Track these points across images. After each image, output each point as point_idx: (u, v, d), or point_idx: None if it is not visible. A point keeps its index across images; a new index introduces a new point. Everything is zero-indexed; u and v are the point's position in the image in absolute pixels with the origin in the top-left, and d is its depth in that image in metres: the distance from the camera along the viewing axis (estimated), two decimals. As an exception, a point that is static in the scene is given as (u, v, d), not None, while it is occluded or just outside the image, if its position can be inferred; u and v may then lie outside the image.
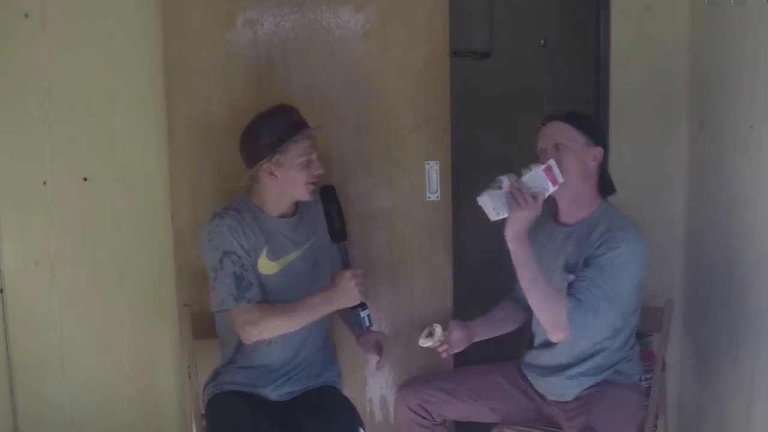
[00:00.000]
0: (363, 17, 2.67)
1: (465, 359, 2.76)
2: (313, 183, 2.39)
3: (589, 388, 2.39)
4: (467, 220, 2.87)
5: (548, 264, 2.39)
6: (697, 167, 2.90)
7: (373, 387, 2.86)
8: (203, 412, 2.52)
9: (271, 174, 2.36)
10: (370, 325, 2.40)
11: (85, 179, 2.75)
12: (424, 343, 2.46)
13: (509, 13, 3.06)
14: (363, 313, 2.36)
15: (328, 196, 2.42)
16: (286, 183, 2.37)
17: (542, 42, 3.09)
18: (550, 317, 2.25)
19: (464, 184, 2.84)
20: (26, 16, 2.65)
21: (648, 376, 2.71)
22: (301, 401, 2.46)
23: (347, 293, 2.32)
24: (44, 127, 2.70)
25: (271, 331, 2.35)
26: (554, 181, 2.27)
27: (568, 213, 2.42)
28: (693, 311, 2.93)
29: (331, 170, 2.70)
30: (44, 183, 2.73)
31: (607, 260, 2.26)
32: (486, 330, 2.57)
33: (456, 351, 2.51)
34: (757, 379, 2.47)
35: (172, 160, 2.70)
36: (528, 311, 2.50)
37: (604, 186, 2.44)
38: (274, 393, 2.47)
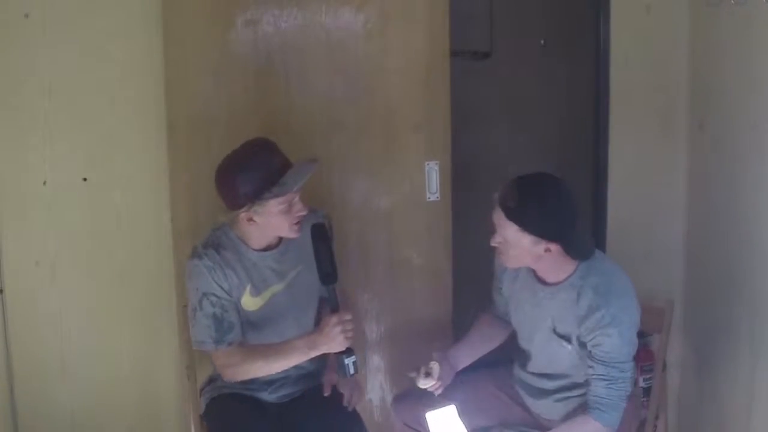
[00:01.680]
0: (363, 17, 2.67)
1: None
2: (297, 223, 2.27)
3: (577, 408, 2.36)
4: (467, 220, 2.87)
5: (535, 323, 2.33)
6: (697, 167, 2.90)
7: (373, 387, 2.86)
8: (201, 414, 2.52)
9: (250, 220, 2.24)
10: (355, 372, 2.22)
11: (85, 179, 2.75)
12: (425, 384, 2.34)
13: (509, 13, 3.06)
14: (348, 360, 2.19)
15: (318, 235, 2.24)
16: (267, 227, 2.26)
17: (542, 42, 3.09)
18: None
19: (464, 185, 2.84)
20: (26, 16, 2.65)
21: (648, 376, 2.72)
22: (301, 401, 2.46)
23: (332, 339, 2.17)
24: (44, 127, 2.70)
25: (251, 374, 2.30)
26: None
27: (545, 275, 2.29)
28: (693, 311, 2.93)
29: (332, 171, 2.70)
30: (44, 183, 2.73)
31: (609, 349, 2.16)
32: (469, 355, 2.47)
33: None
34: (757, 379, 2.47)
35: (172, 160, 2.69)
36: (508, 325, 2.47)
37: (579, 256, 2.21)
38: (272, 396, 2.45)
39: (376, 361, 2.86)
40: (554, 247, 2.16)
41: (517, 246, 2.18)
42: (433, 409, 2.17)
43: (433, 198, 2.77)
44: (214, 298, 2.26)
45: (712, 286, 2.78)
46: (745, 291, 2.53)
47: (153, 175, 2.74)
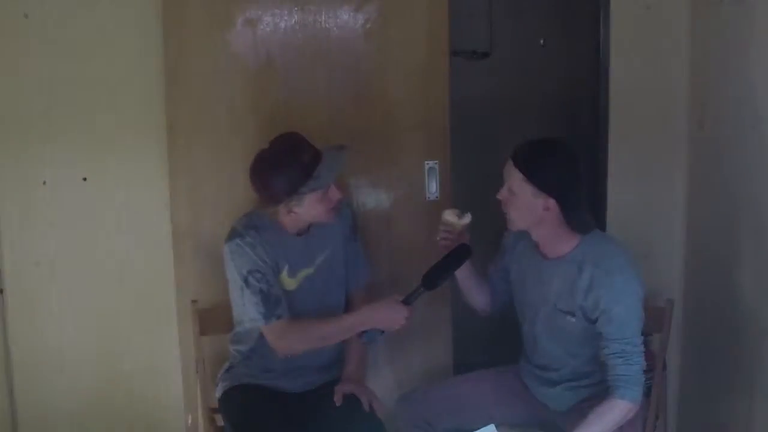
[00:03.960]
0: (363, 17, 2.67)
1: (464, 362, 2.76)
2: (333, 208, 2.36)
3: (587, 399, 2.36)
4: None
5: (539, 301, 2.36)
6: (697, 167, 2.90)
7: (375, 387, 2.85)
8: (215, 405, 2.53)
9: (290, 212, 2.33)
10: (370, 343, 2.38)
11: (85, 179, 2.75)
12: (449, 215, 2.38)
13: (508, 12, 3.06)
14: (379, 336, 2.34)
15: (461, 254, 2.35)
16: (306, 214, 2.35)
17: (541, 42, 3.10)
18: (623, 419, 2.22)
19: (463, 184, 2.84)
20: (26, 16, 2.65)
21: (648, 376, 2.71)
22: (319, 392, 2.47)
23: (392, 323, 2.29)
24: (43, 127, 2.71)
25: (306, 347, 2.36)
26: None
27: (546, 247, 2.34)
28: (693, 311, 2.93)
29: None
30: (44, 183, 2.73)
31: (619, 326, 2.21)
32: (467, 276, 2.48)
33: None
34: (757, 379, 2.47)
35: (172, 160, 2.69)
36: (490, 303, 2.53)
37: (577, 227, 2.27)
38: (291, 384, 2.47)
39: (375, 361, 2.85)
40: (552, 205, 2.22)
41: (519, 198, 2.25)
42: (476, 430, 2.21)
43: (432, 198, 2.77)
44: (258, 275, 2.32)
45: (711, 285, 2.77)
46: (745, 290, 2.53)
47: (153, 174, 2.74)
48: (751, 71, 2.47)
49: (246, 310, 2.36)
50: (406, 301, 2.30)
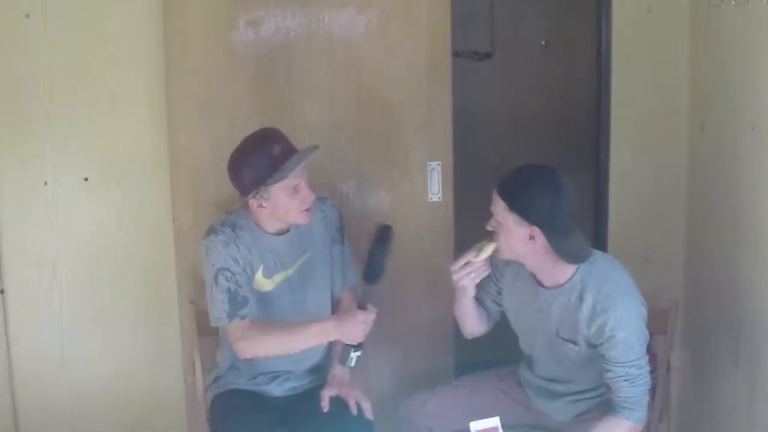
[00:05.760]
0: (365, 18, 2.67)
1: (466, 362, 2.76)
2: (306, 209, 2.33)
3: (590, 410, 2.36)
4: (468, 220, 2.87)
5: (537, 328, 2.34)
6: (698, 169, 2.91)
7: (375, 387, 2.86)
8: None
9: (260, 206, 2.31)
10: (355, 366, 2.32)
11: (86, 179, 2.75)
12: (484, 254, 2.29)
13: (511, 14, 3.07)
14: (354, 354, 2.28)
15: (381, 236, 2.29)
16: (277, 211, 2.32)
17: (543, 43, 3.10)
18: None
19: (465, 185, 2.85)
20: (27, 16, 2.64)
21: (651, 375, 2.71)
22: (306, 397, 2.45)
23: (352, 331, 2.25)
24: (44, 127, 2.70)
25: (265, 351, 2.33)
26: None
27: (541, 276, 2.30)
28: (693, 312, 2.93)
29: (333, 170, 2.70)
30: (44, 183, 2.73)
31: (623, 350, 2.17)
32: (468, 306, 2.46)
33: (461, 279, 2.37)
34: (757, 379, 2.48)
35: (173, 160, 2.69)
36: (486, 326, 2.49)
37: (566, 258, 2.21)
38: (278, 388, 2.46)
39: (375, 361, 2.85)
40: (538, 234, 2.18)
41: (506, 228, 2.21)
42: (478, 420, 2.18)
43: (434, 198, 2.77)
44: (228, 274, 2.31)
45: (712, 287, 2.78)
46: (745, 292, 2.53)
47: (154, 174, 2.74)
48: (752, 72, 2.48)
49: (213, 308, 2.34)
50: (361, 305, 2.27)
